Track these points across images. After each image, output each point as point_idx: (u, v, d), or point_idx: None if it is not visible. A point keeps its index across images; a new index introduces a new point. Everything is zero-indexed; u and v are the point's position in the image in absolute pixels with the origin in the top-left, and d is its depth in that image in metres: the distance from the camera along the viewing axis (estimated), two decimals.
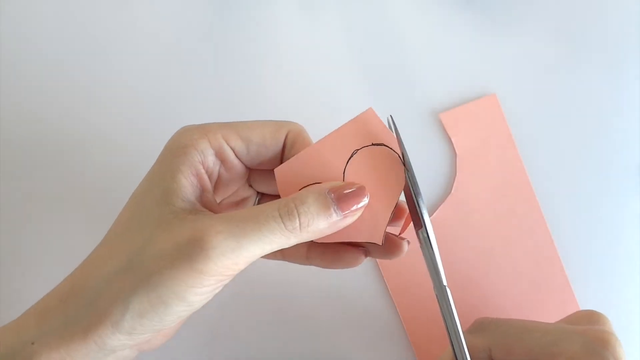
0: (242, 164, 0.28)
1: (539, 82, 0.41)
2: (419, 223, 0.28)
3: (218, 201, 0.29)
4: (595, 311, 0.33)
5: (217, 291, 0.25)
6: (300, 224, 0.25)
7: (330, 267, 0.30)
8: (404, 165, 0.27)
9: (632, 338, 0.39)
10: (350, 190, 0.26)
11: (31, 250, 0.39)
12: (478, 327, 0.33)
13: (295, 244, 0.25)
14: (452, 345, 0.28)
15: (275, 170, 0.27)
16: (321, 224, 0.25)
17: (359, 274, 0.39)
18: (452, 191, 0.40)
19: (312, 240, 0.27)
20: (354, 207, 0.26)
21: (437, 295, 0.28)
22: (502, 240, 0.39)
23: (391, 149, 0.27)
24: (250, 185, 0.31)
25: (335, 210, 0.25)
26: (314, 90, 0.41)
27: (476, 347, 0.31)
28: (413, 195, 0.27)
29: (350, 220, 0.26)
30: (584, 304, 0.39)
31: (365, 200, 0.27)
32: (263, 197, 0.32)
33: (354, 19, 0.42)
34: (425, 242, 0.28)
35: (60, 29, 0.42)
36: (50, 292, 0.25)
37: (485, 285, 0.39)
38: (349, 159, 0.28)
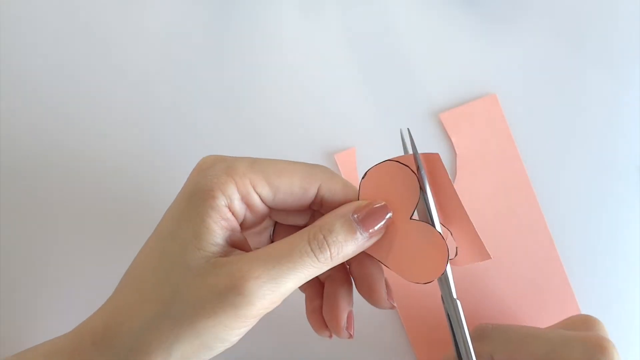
0: (266, 207, 0.28)
1: (539, 82, 0.41)
2: None
3: None
4: (590, 316, 0.34)
5: (253, 325, 0.26)
6: (331, 254, 0.25)
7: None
8: (420, 186, 0.27)
9: (632, 338, 0.39)
10: (373, 208, 0.26)
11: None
12: (480, 334, 0.34)
13: (325, 270, 0.26)
14: (459, 354, 0.28)
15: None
16: (349, 249, 0.26)
17: None
18: None
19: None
20: (378, 226, 0.26)
21: (445, 307, 0.28)
22: (502, 240, 0.39)
23: (405, 165, 0.27)
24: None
25: (360, 233, 0.26)
26: (314, 90, 0.41)
27: (479, 354, 0.31)
28: (429, 217, 0.27)
29: (375, 239, 0.27)
30: (584, 304, 0.39)
31: (388, 216, 0.27)
32: (277, 225, 0.32)
33: (354, 19, 0.42)
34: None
35: (64, 36, 0.42)
36: (77, 331, 0.25)
37: (484, 285, 0.39)
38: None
